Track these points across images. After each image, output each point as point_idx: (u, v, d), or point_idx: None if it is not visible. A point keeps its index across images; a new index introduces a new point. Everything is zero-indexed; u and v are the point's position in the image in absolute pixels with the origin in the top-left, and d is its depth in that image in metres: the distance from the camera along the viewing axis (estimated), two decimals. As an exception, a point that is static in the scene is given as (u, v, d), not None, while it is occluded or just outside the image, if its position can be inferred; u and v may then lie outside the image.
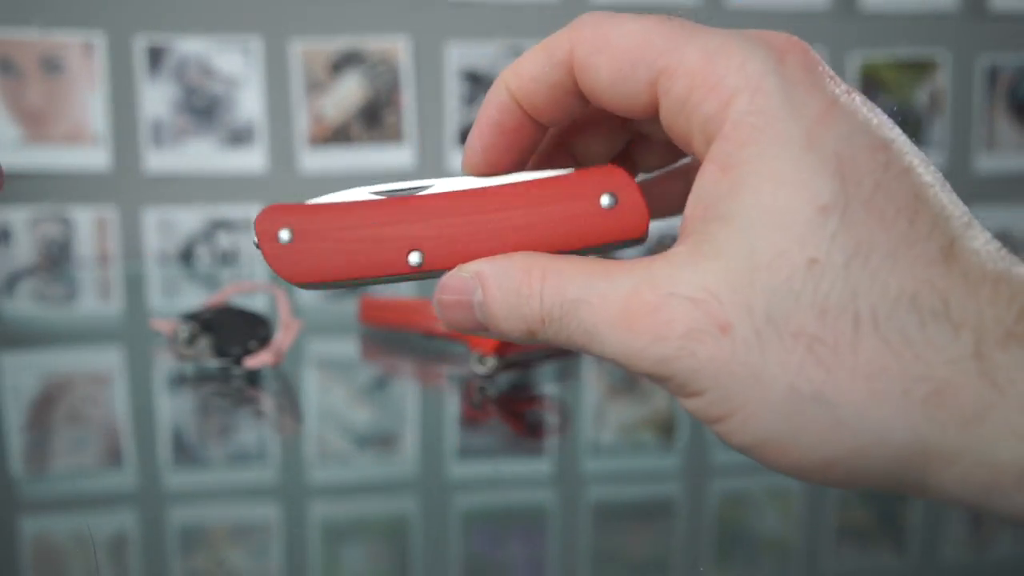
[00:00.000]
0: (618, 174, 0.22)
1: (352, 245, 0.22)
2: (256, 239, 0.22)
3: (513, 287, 0.21)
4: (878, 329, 0.18)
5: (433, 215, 0.22)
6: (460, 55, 1.23)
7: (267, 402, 0.44)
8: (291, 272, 0.22)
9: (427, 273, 0.22)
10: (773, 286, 0.18)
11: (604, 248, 0.22)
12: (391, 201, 0.23)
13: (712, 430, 0.19)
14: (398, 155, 1.22)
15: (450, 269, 0.22)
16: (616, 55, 0.21)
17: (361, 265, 0.22)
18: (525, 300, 0.21)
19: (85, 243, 1.16)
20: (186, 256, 1.18)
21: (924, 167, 0.19)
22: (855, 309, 0.18)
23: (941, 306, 0.18)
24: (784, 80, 0.19)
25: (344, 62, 1.20)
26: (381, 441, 0.37)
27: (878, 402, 0.18)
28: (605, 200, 0.22)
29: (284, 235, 0.22)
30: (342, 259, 0.22)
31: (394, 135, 1.22)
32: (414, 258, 0.22)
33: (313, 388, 0.46)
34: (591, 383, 0.48)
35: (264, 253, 0.22)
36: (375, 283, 0.23)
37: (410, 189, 0.23)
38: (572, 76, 0.21)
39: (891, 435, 0.18)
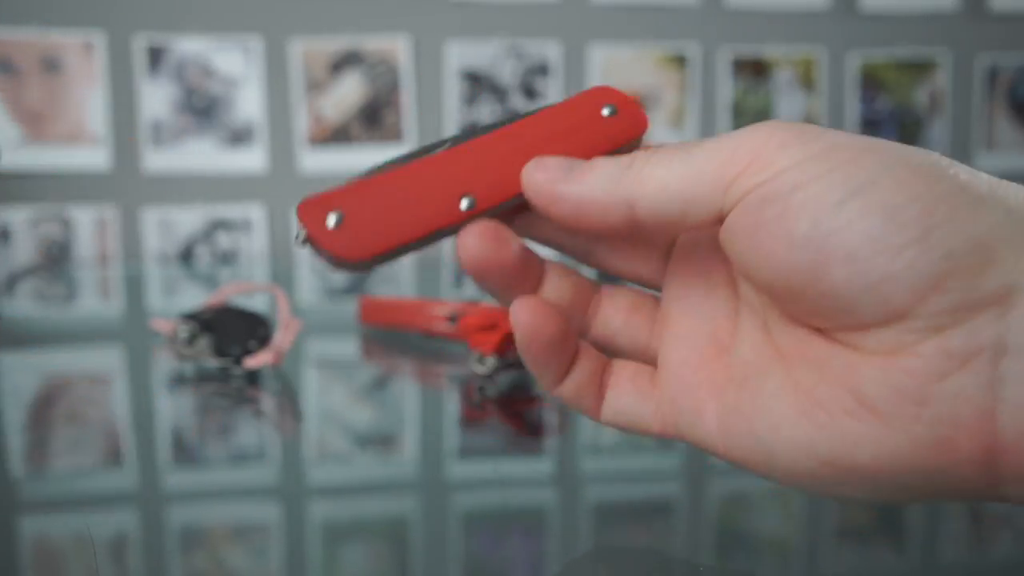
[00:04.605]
0: (610, 91, 0.25)
1: (403, 209, 0.23)
2: (303, 232, 0.22)
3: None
4: None
5: (471, 158, 0.23)
6: (460, 55, 1.23)
7: (267, 402, 0.44)
8: (348, 252, 0.22)
9: (479, 214, 0.23)
10: None
11: (617, 151, 0.25)
12: (430, 159, 0.23)
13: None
14: (398, 155, 1.22)
15: (498, 205, 0.23)
16: None
17: (416, 224, 0.23)
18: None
19: (85, 243, 1.16)
20: (186, 256, 1.18)
21: None
22: None
23: None
24: None
25: (344, 62, 1.20)
26: (381, 441, 0.37)
27: None
28: (606, 111, 0.25)
29: (332, 220, 0.22)
30: (396, 225, 0.22)
31: (394, 135, 1.22)
32: (465, 203, 0.23)
33: (313, 388, 0.46)
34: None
35: (318, 242, 0.22)
36: (429, 242, 0.23)
37: (428, 148, 0.24)
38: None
39: None
